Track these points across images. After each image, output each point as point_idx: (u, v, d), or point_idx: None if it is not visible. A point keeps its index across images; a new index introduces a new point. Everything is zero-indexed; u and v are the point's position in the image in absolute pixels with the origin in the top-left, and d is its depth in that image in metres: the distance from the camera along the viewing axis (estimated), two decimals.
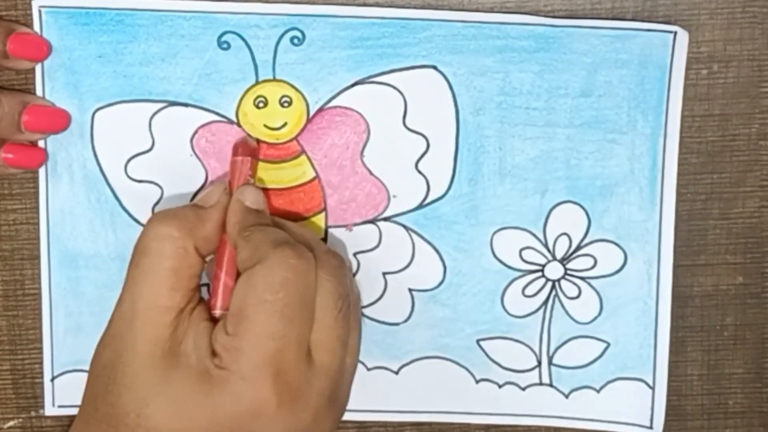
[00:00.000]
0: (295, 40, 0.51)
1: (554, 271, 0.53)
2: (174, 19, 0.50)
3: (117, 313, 0.46)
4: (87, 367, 0.47)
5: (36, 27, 0.50)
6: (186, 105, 0.51)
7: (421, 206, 0.52)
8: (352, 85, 0.51)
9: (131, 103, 0.51)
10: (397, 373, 0.54)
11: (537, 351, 0.53)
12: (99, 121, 0.51)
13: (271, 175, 0.52)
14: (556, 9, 0.51)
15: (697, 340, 0.54)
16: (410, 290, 0.53)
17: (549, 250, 0.53)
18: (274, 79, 0.51)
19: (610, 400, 0.53)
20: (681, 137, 0.52)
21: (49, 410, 0.54)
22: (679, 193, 0.52)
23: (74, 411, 0.48)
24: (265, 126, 0.51)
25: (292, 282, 0.44)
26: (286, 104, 0.51)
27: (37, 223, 0.52)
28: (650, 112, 0.51)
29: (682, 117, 0.51)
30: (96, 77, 0.51)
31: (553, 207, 0.52)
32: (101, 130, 0.51)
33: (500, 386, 0.54)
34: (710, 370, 0.54)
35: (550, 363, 0.53)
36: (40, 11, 0.50)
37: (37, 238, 0.52)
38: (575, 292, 0.53)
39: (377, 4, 0.50)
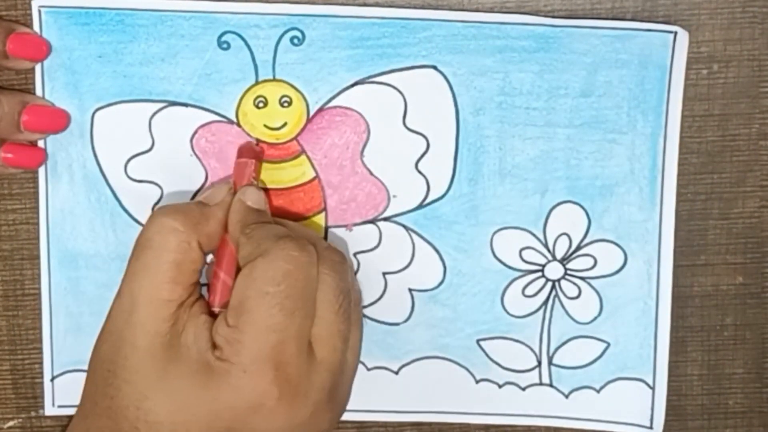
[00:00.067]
0: (295, 40, 0.51)
1: (554, 271, 0.53)
2: (174, 19, 0.50)
3: (116, 306, 0.46)
4: (87, 367, 0.47)
5: (36, 27, 0.50)
6: (186, 105, 0.51)
7: (421, 206, 0.52)
8: (352, 85, 0.51)
9: (131, 103, 0.51)
10: (397, 373, 0.54)
11: (537, 351, 0.53)
12: (99, 121, 0.51)
13: (271, 175, 0.52)
14: (556, 9, 0.51)
15: (697, 340, 0.54)
16: (410, 290, 0.53)
17: (549, 250, 0.53)
18: (274, 79, 0.51)
19: (610, 400, 0.53)
20: (681, 137, 0.52)
21: (49, 410, 0.54)
22: (679, 193, 0.52)
23: (74, 411, 0.48)
24: (265, 126, 0.51)
25: (294, 274, 0.44)
26: (286, 104, 0.51)
27: (37, 223, 0.52)
28: (650, 112, 0.51)
29: (682, 117, 0.51)
30: (96, 77, 0.51)
31: (553, 207, 0.52)
32: (101, 130, 0.51)
33: (500, 386, 0.54)
34: (710, 370, 0.54)
35: (550, 363, 0.53)
36: (39, 11, 0.50)
37: (37, 238, 0.52)
38: (575, 292, 0.53)
39: (377, 4, 0.50)
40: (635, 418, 0.53)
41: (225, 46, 0.51)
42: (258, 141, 0.51)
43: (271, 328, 0.43)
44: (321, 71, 0.51)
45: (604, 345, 0.53)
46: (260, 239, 0.45)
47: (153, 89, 0.51)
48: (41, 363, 0.53)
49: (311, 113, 0.51)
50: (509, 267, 0.53)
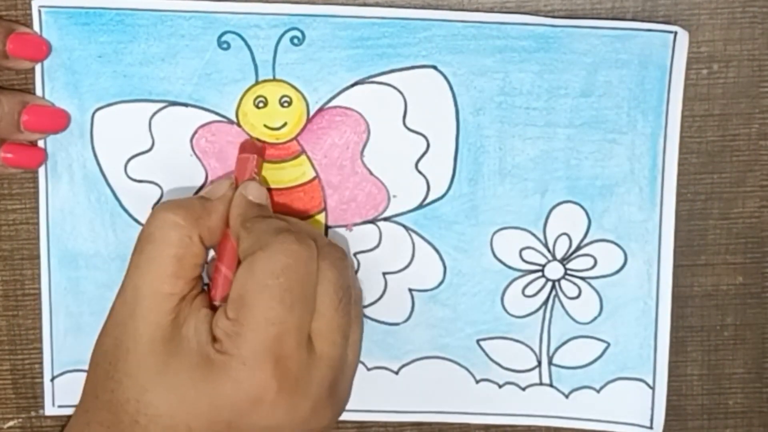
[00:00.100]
0: (295, 40, 0.51)
1: (554, 271, 0.53)
2: (174, 19, 0.50)
3: (119, 300, 0.46)
4: (87, 367, 0.47)
5: (36, 27, 0.50)
6: (186, 105, 0.51)
7: (421, 206, 0.52)
8: (352, 85, 0.51)
9: (131, 103, 0.51)
10: (397, 373, 0.54)
11: (537, 351, 0.53)
12: (99, 121, 0.51)
13: (272, 175, 0.52)
14: (556, 9, 0.51)
15: (697, 340, 0.54)
16: (410, 290, 0.53)
17: (549, 250, 0.53)
18: (274, 79, 0.51)
19: (610, 400, 0.53)
20: (681, 137, 0.52)
21: (49, 410, 0.54)
22: (679, 193, 0.52)
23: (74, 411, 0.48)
24: (265, 126, 0.51)
25: (293, 268, 0.44)
26: (286, 104, 0.51)
27: (37, 223, 0.52)
28: (650, 112, 0.51)
29: (682, 117, 0.51)
30: (96, 77, 0.51)
31: (553, 207, 0.52)
32: (101, 130, 0.51)
33: (500, 386, 0.54)
34: (710, 370, 0.54)
35: (550, 363, 0.53)
36: (40, 11, 0.50)
37: (37, 238, 0.52)
38: (575, 292, 0.53)
39: (377, 4, 0.50)
40: (635, 418, 0.53)
41: (225, 46, 0.51)
42: (259, 140, 0.51)
43: (271, 321, 0.44)
44: (321, 71, 0.51)
45: (604, 345, 0.53)
46: (260, 233, 0.45)
47: (153, 89, 0.51)
48: (41, 363, 0.53)
49: (311, 113, 0.51)
50: (509, 267, 0.53)
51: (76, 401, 0.47)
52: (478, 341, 0.53)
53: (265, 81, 0.51)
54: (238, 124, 0.51)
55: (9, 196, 0.53)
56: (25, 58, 0.50)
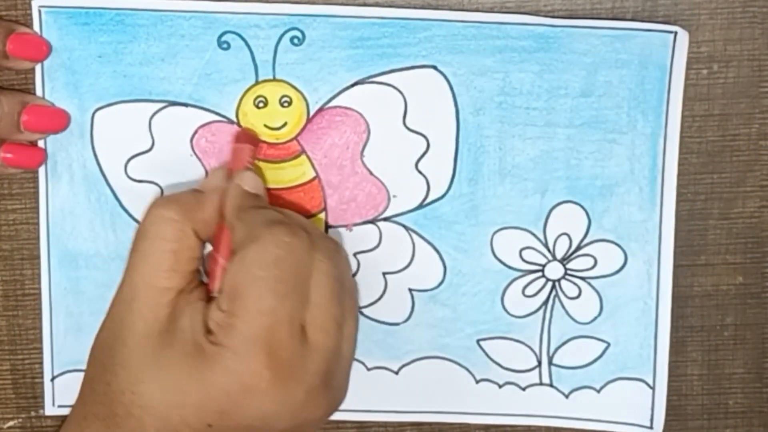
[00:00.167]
0: (295, 40, 0.51)
1: (554, 271, 0.53)
2: (174, 19, 0.50)
3: (117, 296, 0.47)
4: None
5: (36, 27, 0.50)
6: (186, 105, 0.51)
7: (421, 206, 0.52)
8: (352, 85, 0.51)
9: (131, 103, 0.51)
10: (397, 373, 0.54)
11: (537, 351, 0.53)
12: (99, 121, 0.51)
13: (271, 175, 0.52)
14: (556, 9, 0.51)
15: (697, 340, 0.54)
16: (410, 290, 0.53)
17: (549, 250, 0.53)
18: (274, 79, 0.51)
19: (611, 400, 0.53)
20: (681, 137, 0.52)
21: (49, 410, 0.54)
22: (679, 193, 0.52)
23: None
24: (265, 126, 0.51)
25: (285, 259, 0.44)
26: (286, 104, 0.51)
27: (37, 223, 0.52)
28: (650, 112, 0.51)
29: (682, 117, 0.51)
30: (96, 77, 0.51)
31: (553, 207, 0.52)
32: (101, 130, 0.51)
33: (500, 386, 0.54)
34: (710, 370, 0.54)
35: (550, 363, 0.53)
36: (40, 11, 0.50)
37: (37, 238, 0.52)
38: (575, 292, 0.53)
39: (377, 4, 0.50)
40: (635, 418, 0.53)
41: (225, 46, 0.51)
42: (260, 141, 0.51)
43: (263, 311, 0.44)
44: (321, 71, 0.51)
45: (604, 345, 0.53)
46: (253, 224, 0.46)
47: (153, 89, 0.51)
48: (41, 363, 0.53)
49: (311, 113, 0.51)
50: (509, 267, 0.53)
51: None
52: (478, 341, 0.53)
53: (265, 81, 0.51)
54: (238, 124, 0.51)
55: (9, 196, 0.53)
56: (25, 59, 0.50)
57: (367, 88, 0.51)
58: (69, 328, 0.53)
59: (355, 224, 0.52)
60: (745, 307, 0.54)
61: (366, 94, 0.51)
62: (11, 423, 0.54)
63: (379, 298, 0.53)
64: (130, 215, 0.52)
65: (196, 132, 0.51)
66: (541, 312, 0.53)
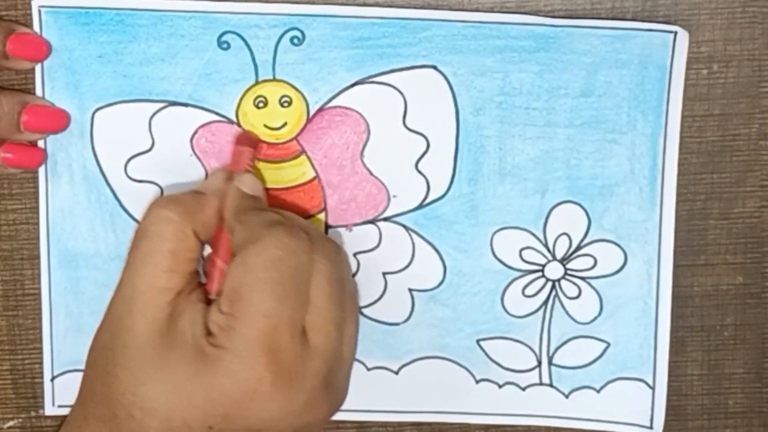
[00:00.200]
0: (295, 40, 0.51)
1: (554, 271, 0.53)
2: (174, 19, 0.50)
3: (116, 296, 0.46)
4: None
5: (36, 27, 0.50)
6: (186, 105, 0.51)
7: (421, 206, 0.52)
8: (352, 85, 0.51)
9: (131, 103, 0.51)
10: (397, 373, 0.54)
11: (537, 351, 0.53)
12: (99, 121, 0.51)
13: (271, 175, 0.52)
14: (556, 9, 0.51)
15: (697, 340, 0.54)
16: (410, 290, 0.53)
17: (549, 250, 0.53)
18: (274, 79, 0.51)
19: (610, 400, 0.53)
20: (681, 137, 0.52)
21: (49, 410, 0.54)
22: (679, 193, 0.52)
23: None
24: (265, 126, 0.51)
25: (285, 261, 0.44)
26: (286, 104, 0.51)
27: (37, 223, 0.52)
28: (650, 112, 0.51)
29: (682, 117, 0.51)
30: (96, 77, 0.51)
31: (553, 207, 0.52)
32: (101, 130, 0.51)
33: (500, 386, 0.54)
34: (710, 370, 0.54)
35: (550, 363, 0.53)
36: (40, 11, 0.50)
37: (37, 238, 0.52)
38: (575, 292, 0.53)
39: (377, 4, 0.50)
40: (635, 418, 0.53)
41: (225, 46, 0.51)
42: (260, 142, 0.51)
43: (263, 313, 0.44)
44: (321, 71, 0.51)
45: (604, 345, 0.53)
46: (253, 226, 0.46)
47: (153, 89, 0.51)
48: (41, 363, 0.53)
49: (311, 113, 0.51)
50: (509, 267, 0.53)
51: None
52: (478, 341, 0.53)
53: (265, 81, 0.51)
54: (238, 124, 0.51)
55: (9, 196, 0.53)
56: (25, 59, 0.50)
57: (367, 88, 0.51)
58: (69, 328, 0.53)
59: (355, 224, 0.52)
60: (745, 307, 0.54)
61: (366, 94, 0.51)
62: (11, 423, 0.54)
63: (379, 298, 0.53)
64: (130, 215, 0.52)
65: (196, 132, 0.51)
66: (541, 312, 0.53)
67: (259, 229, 0.45)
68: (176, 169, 0.52)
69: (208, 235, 0.48)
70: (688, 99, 0.51)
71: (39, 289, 0.53)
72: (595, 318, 0.53)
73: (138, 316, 0.45)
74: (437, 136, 0.51)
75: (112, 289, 0.47)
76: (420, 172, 0.52)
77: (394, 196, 0.52)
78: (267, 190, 0.51)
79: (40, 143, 0.51)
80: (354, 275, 0.53)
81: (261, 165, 0.51)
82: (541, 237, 0.52)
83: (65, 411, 0.53)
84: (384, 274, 0.53)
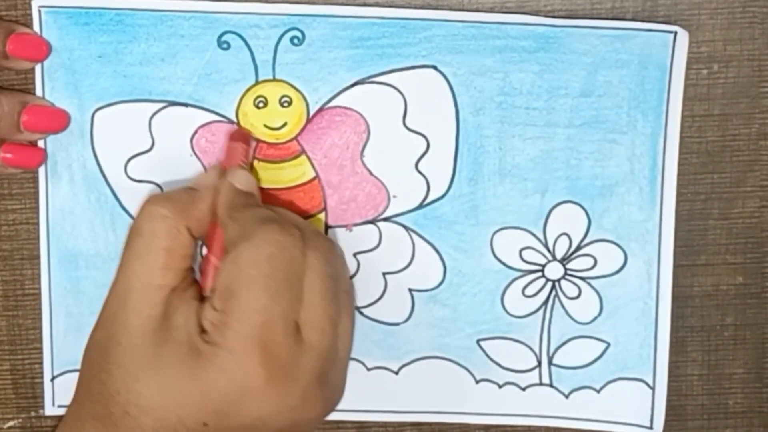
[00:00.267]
0: (295, 40, 0.51)
1: (554, 271, 0.53)
2: (174, 19, 0.50)
3: (111, 295, 0.47)
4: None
5: (36, 27, 0.50)
6: (186, 105, 0.51)
7: (421, 206, 0.52)
8: (352, 85, 0.51)
9: (131, 103, 0.51)
10: (397, 373, 0.54)
11: (537, 351, 0.53)
12: (99, 121, 0.51)
13: (271, 175, 0.52)
14: (556, 9, 0.51)
15: (697, 340, 0.54)
16: (410, 290, 0.53)
17: (549, 250, 0.53)
18: (274, 79, 0.51)
19: (610, 400, 0.53)
20: (681, 137, 0.52)
21: (49, 410, 0.54)
22: (679, 193, 0.52)
23: None
24: (265, 126, 0.51)
25: (278, 257, 0.44)
26: (286, 104, 0.51)
27: (37, 223, 0.52)
28: (650, 112, 0.51)
29: (682, 117, 0.51)
30: (96, 77, 0.51)
31: (553, 207, 0.52)
32: (101, 130, 0.51)
33: (500, 386, 0.54)
34: (710, 370, 0.54)
35: (550, 363, 0.53)
36: (39, 11, 0.50)
37: (37, 238, 0.52)
38: (575, 292, 0.53)
39: (377, 4, 0.50)
40: (635, 418, 0.53)
41: (225, 46, 0.51)
42: (258, 140, 0.51)
43: (256, 310, 0.44)
44: (321, 71, 0.51)
45: (604, 345, 0.53)
46: (245, 222, 0.46)
47: (153, 89, 0.51)
48: (41, 363, 0.53)
49: (311, 113, 0.51)
50: (509, 267, 0.53)
51: None
52: (478, 341, 0.53)
53: (265, 81, 0.51)
54: (238, 124, 0.51)
55: (9, 196, 0.53)
56: (25, 59, 0.50)
57: (367, 88, 0.51)
58: (69, 328, 0.53)
59: (355, 224, 0.52)
60: (745, 307, 0.54)
61: (366, 94, 0.51)
62: (11, 423, 0.54)
63: (379, 298, 0.53)
64: (130, 215, 0.52)
65: (196, 132, 0.51)
66: (541, 312, 0.53)
67: (251, 226, 0.45)
68: (176, 169, 0.52)
69: (202, 232, 0.48)
70: (688, 99, 0.51)
71: (39, 289, 0.53)
72: (595, 318, 0.53)
73: (132, 314, 0.45)
74: (437, 136, 0.51)
75: None
76: (420, 172, 0.52)
77: (394, 196, 0.52)
78: (267, 190, 0.51)
79: (40, 143, 0.51)
80: (354, 275, 0.53)
81: (261, 165, 0.51)
82: (541, 237, 0.52)
83: (65, 411, 0.53)
84: (384, 274, 0.53)
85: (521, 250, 0.52)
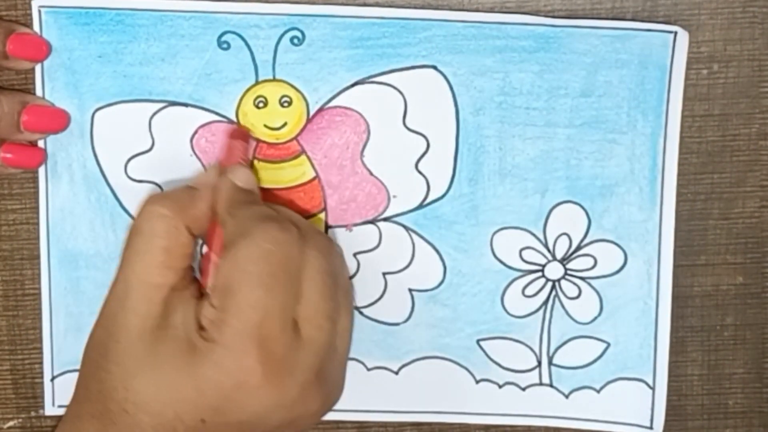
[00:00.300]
0: (295, 40, 0.51)
1: (554, 271, 0.53)
2: (174, 19, 0.50)
3: (110, 294, 0.47)
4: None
5: (36, 27, 0.50)
6: (186, 105, 0.51)
7: (421, 206, 0.52)
8: (352, 85, 0.51)
9: (131, 103, 0.51)
10: (397, 373, 0.54)
11: (537, 351, 0.53)
12: (99, 121, 0.51)
13: (271, 175, 0.52)
14: (556, 9, 0.51)
15: (697, 340, 0.54)
16: (410, 290, 0.53)
17: (549, 250, 0.53)
18: (274, 79, 0.51)
19: (610, 400, 0.53)
20: (681, 137, 0.52)
21: (49, 410, 0.54)
22: (679, 193, 0.52)
23: None
24: (265, 126, 0.51)
25: (275, 254, 0.44)
26: (286, 104, 0.51)
27: (37, 223, 0.52)
28: (650, 112, 0.51)
29: (682, 117, 0.51)
30: (96, 77, 0.51)
31: (553, 207, 0.52)
32: (101, 130, 0.51)
33: (500, 386, 0.54)
34: (710, 370, 0.54)
35: (550, 363, 0.53)
36: (40, 11, 0.50)
37: (37, 238, 0.52)
38: (575, 292, 0.53)
39: (377, 4, 0.50)
40: (635, 418, 0.53)
41: (225, 46, 0.51)
42: (258, 140, 0.51)
43: (253, 306, 0.44)
44: (321, 71, 0.51)
45: (604, 345, 0.53)
46: (244, 220, 0.46)
47: (153, 89, 0.51)
48: (41, 363, 0.53)
49: (311, 113, 0.51)
50: (509, 267, 0.53)
51: None
52: (478, 341, 0.53)
53: (265, 81, 0.51)
54: (238, 125, 0.51)
55: (9, 196, 0.53)
56: (25, 59, 0.50)
57: (367, 88, 0.51)
58: (69, 328, 0.53)
59: (355, 224, 0.52)
60: (745, 307, 0.54)
61: (366, 94, 0.51)
62: (11, 423, 0.54)
63: (379, 298, 0.53)
64: (130, 215, 0.52)
65: (196, 132, 0.51)
66: (541, 312, 0.53)
67: (249, 223, 0.45)
68: (176, 169, 0.52)
69: (202, 230, 0.48)
70: (688, 99, 0.51)
71: (39, 289, 0.53)
72: (595, 318, 0.53)
73: (131, 313, 0.45)
74: (437, 136, 0.51)
75: None
76: (420, 172, 0.52)
77: (394, 196, 0.52)
78: (267, 190, 0.51)
79: (40, 143, 0.51)
80: (354, 275, 0.53)
81: (261, 165, 0.51)
82: (541, 237, 0.52)
83: (65, 410, 0.53)
84: (384, 274, 0.53)
85: (521, 250, 0.52)
